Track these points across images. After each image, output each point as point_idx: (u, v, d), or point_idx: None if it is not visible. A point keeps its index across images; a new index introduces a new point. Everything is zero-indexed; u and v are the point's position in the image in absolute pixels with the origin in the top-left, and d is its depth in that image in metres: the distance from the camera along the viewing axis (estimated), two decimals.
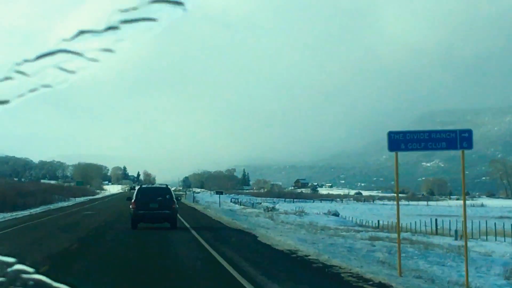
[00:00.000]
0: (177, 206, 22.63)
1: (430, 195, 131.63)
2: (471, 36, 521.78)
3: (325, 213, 48.86)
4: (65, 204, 48.01)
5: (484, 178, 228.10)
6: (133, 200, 21.68)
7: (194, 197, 64.94)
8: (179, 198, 26.19)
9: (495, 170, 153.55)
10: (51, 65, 1.16)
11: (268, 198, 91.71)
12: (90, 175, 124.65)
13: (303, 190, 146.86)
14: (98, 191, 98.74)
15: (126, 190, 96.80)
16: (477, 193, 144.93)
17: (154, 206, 21.48)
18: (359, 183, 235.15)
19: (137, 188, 23.48)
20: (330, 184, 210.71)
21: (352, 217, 47.52)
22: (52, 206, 42.52)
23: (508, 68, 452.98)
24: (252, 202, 69.76)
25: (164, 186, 23.74)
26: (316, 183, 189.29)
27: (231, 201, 68.64)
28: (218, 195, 56.76)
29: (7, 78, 1.17)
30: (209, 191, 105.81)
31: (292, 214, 41.32)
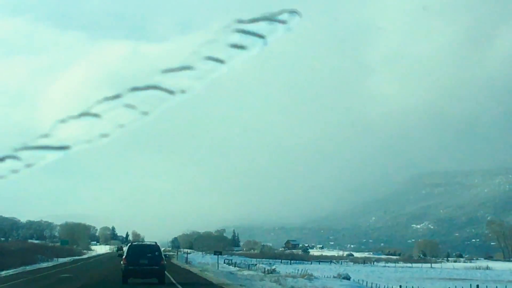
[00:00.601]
0: (165, 262, 23.86)
1: (423, 257, 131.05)
2: (461, 98, 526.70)
3: (334, 277, 46.30)
4: (45, 265, 44.88)
5: (474, 240, 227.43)
6: (124, 256, 22.79)
7: (186, 258, 63.56)
8: (169, 258, 30.18)
9: (492, 232, 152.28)
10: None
11: (263, 260, 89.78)
12: (77, 235, 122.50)
13: (294, 251, 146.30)
14: (85, 251, 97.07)
15: (114, 251, 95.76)
16: (474, 256, 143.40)
17: (143, 262, 22.54)
18: (348, 245, 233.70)
19: (128, 245, 25.31)
20: (321, 246, 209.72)
21: (366, 281, 44.58)
22: (28, 268, 39.23)
23: (497, 130, 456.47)
24: (247, 263, 68.64)
25: (154, 243, 25.70)
26: (307, 244, 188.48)
27: (224, 263, 67.07)
28: (217, 255, 54.36)
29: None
30: (200, 252, 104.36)
31: (299, 277, 39.60)
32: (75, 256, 71.12)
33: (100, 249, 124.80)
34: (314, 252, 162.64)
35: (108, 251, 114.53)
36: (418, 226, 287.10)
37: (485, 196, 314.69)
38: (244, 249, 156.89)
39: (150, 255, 23.00)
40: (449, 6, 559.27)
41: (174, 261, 42.00)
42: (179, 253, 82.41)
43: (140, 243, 32.70)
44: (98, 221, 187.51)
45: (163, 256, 23.85)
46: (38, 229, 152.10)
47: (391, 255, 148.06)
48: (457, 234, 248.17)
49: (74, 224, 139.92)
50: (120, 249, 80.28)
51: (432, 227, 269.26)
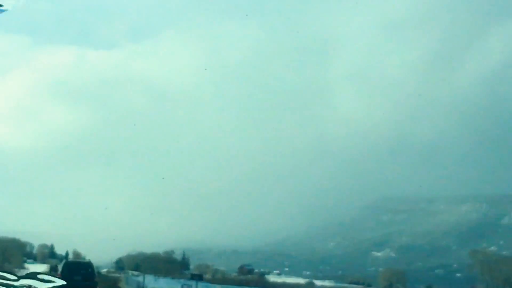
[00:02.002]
0: (97, 280, 26.96)
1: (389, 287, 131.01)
2: (426, 120, 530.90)
3: None
4: None
5: (438, 270, 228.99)
6: (59, 272, 25.50)
7: (140, 284, 57.47)
8: (115, 281, 31.90)
9: (477, 262, 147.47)
10: None
11: (229, 286, 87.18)
12: (10, 252, 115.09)
13: (249, 276, 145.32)
14: (16, 270, 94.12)
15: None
16: None
17: (77, 278, 24.94)
18: (304, 271, 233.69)
19: (63, 262, 29.09)
20: (278, 272, 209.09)
21: None
22: None
23: (465, 154, 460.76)
24: None
25: (87, 261, 29.65)
26: (262, 270, 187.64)
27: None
28: (195, 280, 49.57)
29: None
30: (150, 275, 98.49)
31: None
32: None
33: (36, 268, 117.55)
34: (271, 278, 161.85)
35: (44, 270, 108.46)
36: (379, 254, 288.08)
37: (451, 224, 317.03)
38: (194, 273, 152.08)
39: (83, 271, 25.41)
40: (416, 24, 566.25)
41: (123, 286, 40.43)
42: (126, 275, 76.36)
43: (75, 260, 37.34)
44: (35, 238, 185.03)
45: (96, 274, 26.85)
46: None
47: (354, 283, 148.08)
48: (420, 264, 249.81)
49: (6, 239, 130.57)
50: (52, 269, 78.45)
51: (393, 255, 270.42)
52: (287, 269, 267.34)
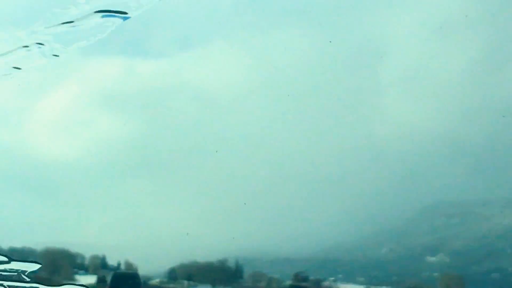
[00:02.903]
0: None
1: None
2: (479, 123, 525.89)
3: None
4: None
5: (493, 274, 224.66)
6: (108, 284, 28.79)
7: None
8: None
9: None
10: None
11: None
12: (60, 264, 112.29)
13: (303, 283, 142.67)
14: (64, 281, 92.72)
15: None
16: None
17: None
18: (357, 277, 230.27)
19: (112, 273, 31.24)
20: (334, 278, 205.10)
21: None
22: None
23: None
24: None
25: (134, 272, 32.16)
26: (318, 278, 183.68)
27: None
28: None
29: None
30: (205, 285, 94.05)
31: None
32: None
33: (86, 279, 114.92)
34: (328, 285, 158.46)
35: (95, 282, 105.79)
36: (433, 259, 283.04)
37: (506, 228, 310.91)
38: (248, 282, 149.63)
39: (131, 282, 28.34)
40: (471, 24, 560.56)
41: None
42: (182, 286, 72.15)
43: (122, 271, 40.03)
44: (86, 249, 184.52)
45: (141, 284, 29.12)
46: (21, 256, 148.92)
47: None
48: (475, 268, 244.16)
49: (56, 250, 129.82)
50: (101, 280, 78.67)
51: (448, 259, 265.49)
52: (340, 275, 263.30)
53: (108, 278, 33.13)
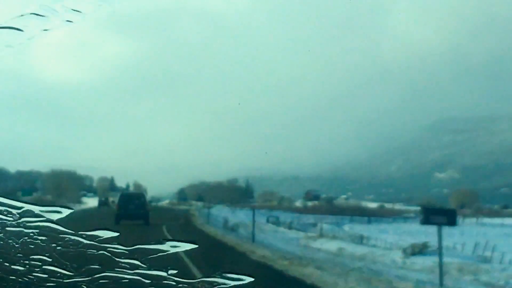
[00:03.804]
0: (149, 207, 32.01)
1: (460, 209, 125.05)
2: (487, 40, 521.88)
3: None
4: None
5: (503, 189, 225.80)
6: (116, 203, 30.74)
7: (226, 220, 42.70)
8: (187, 216, 38.37)
9: None
10: None
11: (307, 215, 73.48)
12: (65, 186, 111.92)
13: (316, 202, 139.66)
14: (71, 204, 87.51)
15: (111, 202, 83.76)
16: None
17: (132, 207, 29.53)
18: (366, 195, 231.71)
19: (119, 194, 34.25)
20: (346, 196, 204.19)
21: None
22: None
23: None
24: (297, 222, 55.79)
25: (140, 193, 36.15)
26: (330, 195, 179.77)
27: (268, 221, 54.24)
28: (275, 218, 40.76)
29: None
30: (220, 205, 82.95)
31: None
32: None
33: (94, 201, 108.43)
34: (338, 203, 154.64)
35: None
36: (442, 175, 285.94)
37: None
38: (258, 202, 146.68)
39: (137, 201, 29.86)
40: None
41: (197, 222, 35.32)
42: (196, 208, 65.09)
43: (129, 192, 43.64)
44: (95, 172, 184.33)
45: (147, 202, 31.62)
46: (28, 179, 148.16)
47: (424, 206, 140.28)
48: (484, 183, 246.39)
49: (61, 172, 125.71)
50: (102, 202, 77.47)
51: (457, 175, 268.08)
52: (350, 193, 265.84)
53: (115, 199, 36.63)
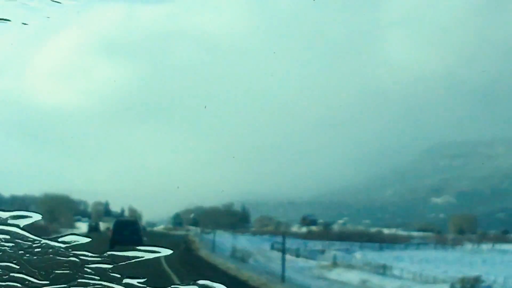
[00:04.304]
0: (142, 233, 32.60)
1: (459, 235, 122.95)
2: (482, 64, 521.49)
3: None
4: None
5: (498, 214, 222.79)
6: (111, 228, 31.83)
7: (234, 249, 38.85)
8: (188, 244, 39.18)
9: None
10: None
11: (315, 241, 69.24)
12: (59, 210, 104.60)
13: (313, 228, 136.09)
14: (63, 229, 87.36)
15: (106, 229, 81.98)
16: None
17: (126, 233, 30.74)
18: (363, 220, 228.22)
19: (115, 221, 35.94)
20: (343, 221, 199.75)
21: None
22: None
23: None
24: (306, 249, 54.10)
25: (134, 220, 36.26)
26: (325, 220, 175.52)
27: (273, 248, 49.36)
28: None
29: None
30: (219, 230, 72.03)
31: None
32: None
33: (88, 227, 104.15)
34: (337, 229, 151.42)
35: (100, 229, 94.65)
36: (438, 200, 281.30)
37: (511, 168, 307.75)
38: (255, 227, 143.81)
39: (131, 227, 31.64)
40: None
41: (202, 252, 32.78)
42: (196, 234, 54.40)
43: (123, 218, 45.50)
44: (90, 196, 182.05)
45: (141, 229, 33.05)
46: (22, 204, 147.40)
47: (423, 231, 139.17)
48: (480, 208, 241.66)
49: (55, 196, 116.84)
50: (93, 229, 77.35)
51: (453, 200, 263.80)
52: (346, 218, 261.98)
53: (103, 226, 38.56)
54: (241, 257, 36.01)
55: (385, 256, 54.07)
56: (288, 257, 44.80)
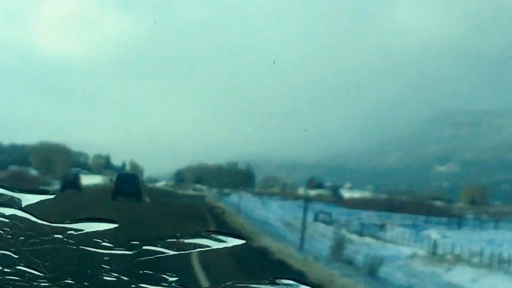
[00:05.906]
0: (141, 187, 33.03)
1: (471, 205, 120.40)
2: (493, 32, 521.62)
3: None
4: None
5: (503, 185, 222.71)
6: (113, 181, 31.86)
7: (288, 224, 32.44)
8: (215, 210, 33.70)
9: None
10: None
11: (361, 211, 61.98)
12: (54, 160, 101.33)
13: (320, 191, 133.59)
14: (56, 181, 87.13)
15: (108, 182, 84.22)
16: None
17: (127, 186, 31.16)
18: (365, 185, 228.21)
19: (117, 174, 37.01)
20: (350, 186, 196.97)
21: None
22: None
23: None
24: (356, 221, 47.28)
25: (134, 173, 38.78)
26: (335, 184, 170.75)
27: (317, 220, 42.58)
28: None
29: None
30: (235, 193, 67.76)
31: None
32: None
33: (87, 179, 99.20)
34: (344, 193, 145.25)
35: (99, 182, 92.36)
36: (442, 168, 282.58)
37: None
38: (257, 188, 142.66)
39: (131, 181, 31.60)
40: None
41: (229, 217, 24.17)
42: (215, 195, 51.60)
43: (125, 172, 46.03)
44: (91, 148, 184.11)
45: (140, 182, 33.08)
46: (22, 153, 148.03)
47: (432, 199, 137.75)
48: (485, 179, 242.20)
49: (50, 145, 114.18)
50: (68, 182, 78.21)
51: (457, 169, 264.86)
52: (349, 182, 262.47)
53: (113, 179, 39.21)
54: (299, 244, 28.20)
55: (472, 238, 42.75)
56: (344, 234, 38.00)
